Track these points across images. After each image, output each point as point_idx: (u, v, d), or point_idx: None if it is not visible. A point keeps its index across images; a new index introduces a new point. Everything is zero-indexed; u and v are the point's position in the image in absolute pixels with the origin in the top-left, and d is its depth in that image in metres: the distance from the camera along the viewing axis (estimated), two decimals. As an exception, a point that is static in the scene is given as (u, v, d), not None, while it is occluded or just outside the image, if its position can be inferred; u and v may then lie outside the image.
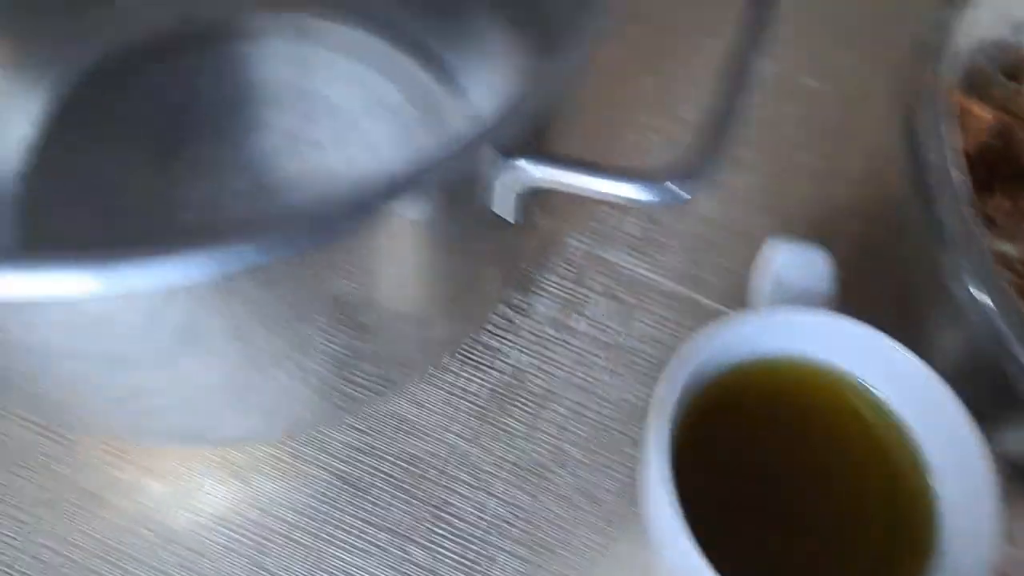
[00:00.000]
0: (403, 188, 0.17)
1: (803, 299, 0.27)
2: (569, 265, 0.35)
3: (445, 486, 0.31)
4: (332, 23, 0.37)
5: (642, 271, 0.35)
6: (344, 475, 0.31)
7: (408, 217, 0.19)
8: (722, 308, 0.34)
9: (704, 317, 0.34)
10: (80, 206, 0.33)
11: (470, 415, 0.32)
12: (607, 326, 0.34)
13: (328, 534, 0.30)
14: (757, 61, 0.19)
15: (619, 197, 0.19)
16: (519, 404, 0.33)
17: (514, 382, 0.33)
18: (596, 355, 0.33)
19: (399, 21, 0.37)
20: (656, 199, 0.19)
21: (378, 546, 0.30)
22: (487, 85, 0.36)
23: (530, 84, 0.18)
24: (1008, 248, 0.29)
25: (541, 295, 0.35)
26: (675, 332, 0.34)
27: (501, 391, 0.33)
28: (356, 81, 0.37)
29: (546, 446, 0.32)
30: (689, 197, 0.19)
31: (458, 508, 0.31)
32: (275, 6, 0.37)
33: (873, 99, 0.38)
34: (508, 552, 0.30)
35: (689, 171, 0.19)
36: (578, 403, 0.32)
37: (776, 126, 0.38)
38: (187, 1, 0.37)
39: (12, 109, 0.34)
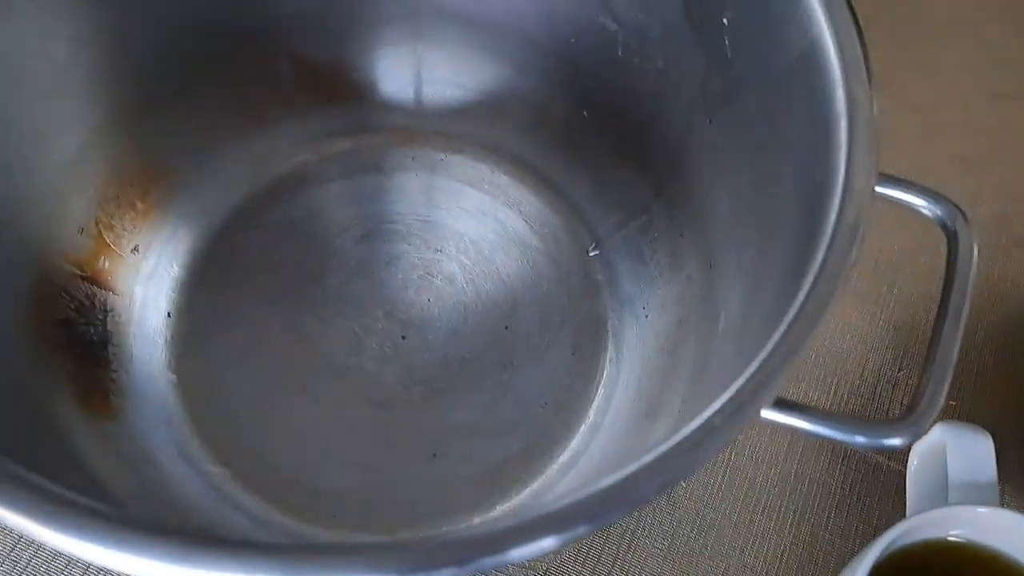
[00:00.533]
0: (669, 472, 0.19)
1: (970, 485, 0.28)
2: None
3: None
4: (460, 157, 0.39)
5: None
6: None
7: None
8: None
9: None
10: (226, 342, 0.34)
11: None
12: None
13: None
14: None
15: (849, 443, 0.20)
16: None
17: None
18: None
19: (523, 156, 0.38)
20: (878, 446, 0.20)
21: None
22: (607, 216, 0.38)
23: (786, 343, 0.19)
24: None
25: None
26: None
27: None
28: (484, 214, 0.38)
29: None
30: (908, 442, 0.20)
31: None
32: (405, 143, 0.39)
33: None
34: None
35: (906, 424, 0.20)
36: None
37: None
38: (308, 132, 0.38)
39: (162, 253, 0.35)
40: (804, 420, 0.20)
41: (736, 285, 0.29)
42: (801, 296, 0.20)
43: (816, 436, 0.21)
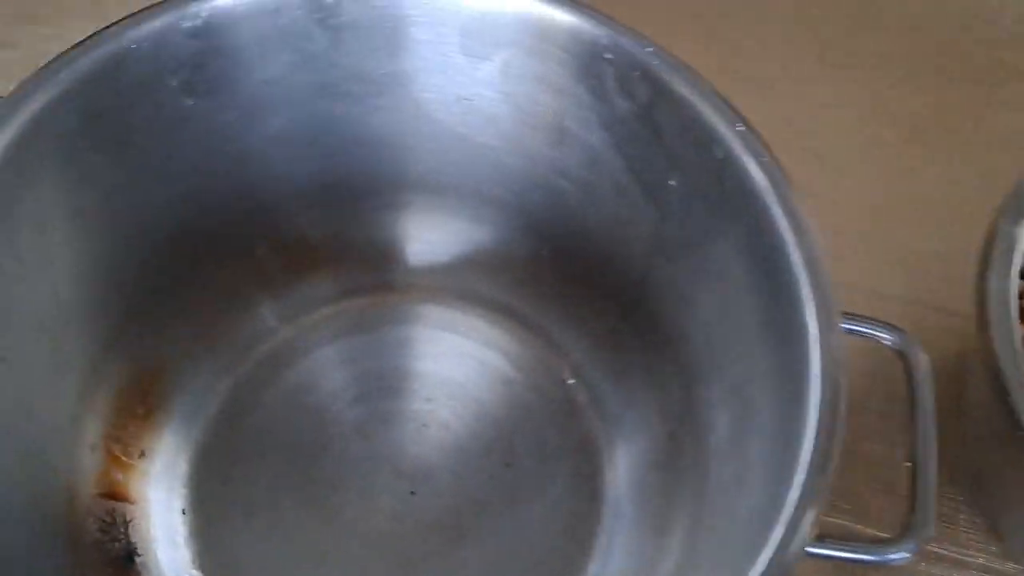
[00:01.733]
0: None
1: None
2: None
3: None
4: (434, 306, 0.41)
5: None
6: None
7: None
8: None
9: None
10: (243, 530, 0.36)
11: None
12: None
13: None
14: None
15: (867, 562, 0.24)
16: None
17: None
18: None
19: (492, 296, 0.41)
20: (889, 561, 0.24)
21: None
22: (579, 340, 0.40)
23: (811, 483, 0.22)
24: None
25: None
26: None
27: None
28: (465, 356, 0.40)
29: None
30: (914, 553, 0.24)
31: None
32: (381, 301, 0.41)
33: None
34: None
35: (909, 535, 0.24)
36: None
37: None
38: (291, 305, 0.40)
39: (167, 453, 0.36)
40: (834, 549, 0.23)
41: (723, 407, 0.32)
42: (809, 436, 0.23)
43: (835, 560, 0.24)
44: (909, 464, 0.39)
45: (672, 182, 0.31)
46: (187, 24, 0.28)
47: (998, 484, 0.34)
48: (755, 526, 0.25)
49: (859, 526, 0.37)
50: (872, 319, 0.27)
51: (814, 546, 0.23)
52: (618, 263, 0.37)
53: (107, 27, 0.27)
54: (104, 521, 0.33)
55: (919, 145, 0.48)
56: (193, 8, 0.28)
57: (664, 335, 0.36)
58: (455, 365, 0.40)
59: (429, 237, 0.41)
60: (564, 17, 0.30)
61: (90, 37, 0.27)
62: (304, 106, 0.34)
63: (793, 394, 0.25)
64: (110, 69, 0.28)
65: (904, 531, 0.23)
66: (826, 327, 0.24)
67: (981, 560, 0.36)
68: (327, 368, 0.40)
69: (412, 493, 0.37)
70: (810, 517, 0.22)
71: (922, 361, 0.25)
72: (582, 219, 0.37)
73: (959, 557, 0.37)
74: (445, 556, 0.36)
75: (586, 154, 0.34)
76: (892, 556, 0.23)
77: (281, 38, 0.31)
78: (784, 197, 0.27)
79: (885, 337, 0.27)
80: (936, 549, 0.37)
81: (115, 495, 0.34)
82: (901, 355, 0.26)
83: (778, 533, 0.22)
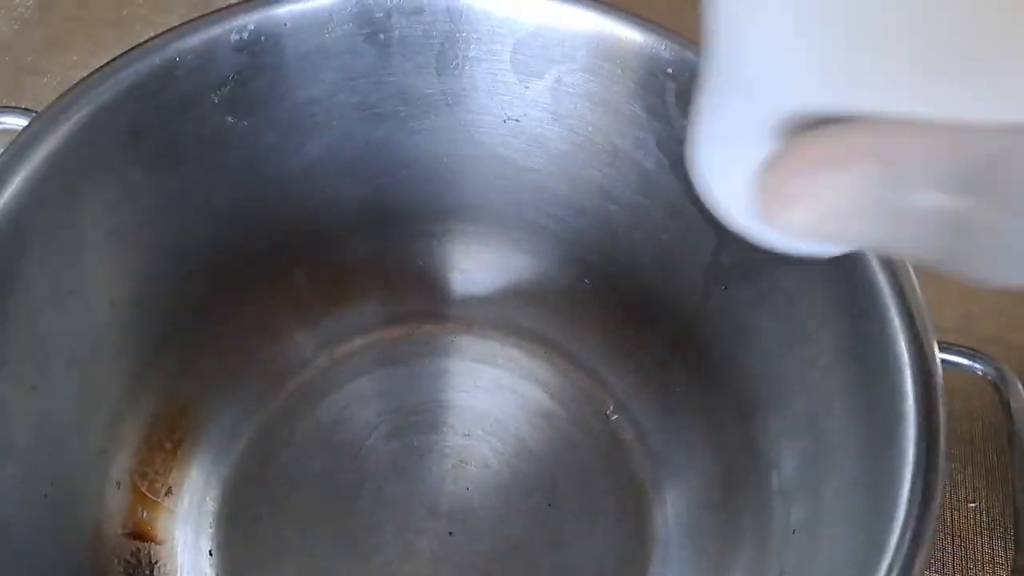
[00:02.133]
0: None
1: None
2: None
3: None
4: (470, 337, 0.39)
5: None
6: None
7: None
8: None
9: None
10: (274, 569, 0.34)
11: None
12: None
13: None
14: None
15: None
16: None
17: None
18: None
19: (530, 327, 0.40)
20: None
21: None
22: (624, 375, 0.39)
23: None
24: None
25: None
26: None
27: None
28: (503, 390, 0.39)
29: None
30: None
31: None
32: (414, 331, 0.39)
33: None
34: None
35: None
36: None
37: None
38: (325, 335, 0.38)
39: (194, 490, 0.34)
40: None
41: (788, 442, 0.30)
42: (907, 480, 0.21)
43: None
44: (973, 504, 0.37)
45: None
46: (235, 37, 0.27)
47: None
48: (841, 573, 0.23)
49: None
50: (965, 348, 0.25)
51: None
52: (669, 292, 0.35)
53: (152, 38, 0.26)
54: (129, 562, 0.31)
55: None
56: (241, 20, 0.27)
57: (718, 367, 0.34)
58: (493, 399, 0.38)
59: (468, 265, 0.39)
60: (624, 30, 0.28)
61: (134, 48, 0.26)
62: (346, 127, 0.33)
63: (884, 431, 0.23)
64: (154, 82, 0.27)
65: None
66: (920, 354, 0.23)
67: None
68: (361, 401, 0.38)
69: (451, 534, 0.35)
70: (919, 565, 0.20)
71: (1020, 389, 0.24)
72: (629, 245, 0.35)
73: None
74: (486, 596, 0.34)
75: (639, 175, 0.33)
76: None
77: (327, 54, 0.30)
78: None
79: (979, 368, 0.25)
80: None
81: (141, 534, 0.32)
82: (996, 388, 0.24)
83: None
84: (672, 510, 0.36)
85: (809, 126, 0.11)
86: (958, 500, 0.37)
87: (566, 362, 0.39)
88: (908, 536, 0.20)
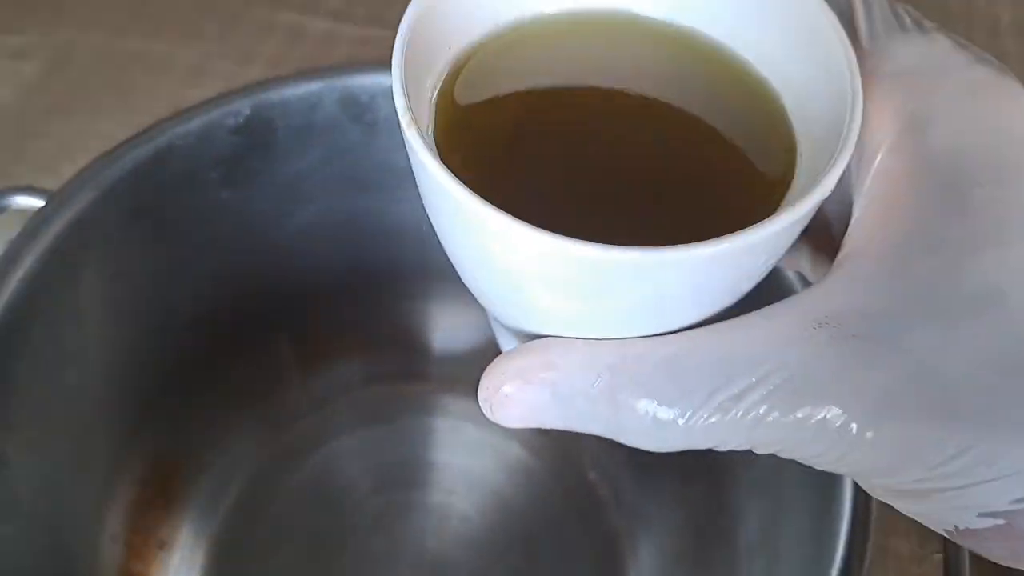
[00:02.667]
0: None
1: None
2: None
3: None
4: (452, 395, 0.41)
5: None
6: None
7: None
8: None
9: None
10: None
11: None
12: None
13: None
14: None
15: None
16: None
17: None
18: None
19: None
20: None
21: None
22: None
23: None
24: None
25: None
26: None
27: None
28: (485, 447, 0.40)
29: None
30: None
31: None
32: (398, 390, 0.41)
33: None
34: None
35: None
36: None
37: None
38: (311, 395, 0.40)
39: (185, 545, 0.35)
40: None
41: (753, 497, 0.31)
42: (842, 532, 0.23)
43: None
44: (937, 556, 0.38)
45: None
46: (231, 121, 0.29)
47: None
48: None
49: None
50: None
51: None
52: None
53: (154, 124, 0.28)
54: (122, 616, 0.32)
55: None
56: (236, 105, 0.29)
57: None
58: (475, 456, 0.40)
59: (449, 324, 0.41)
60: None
61: (139, 134, 0.28)
62: (333, 198, 0.35)
63: (826, 487, 0.25)
64: (154, 164, 0.29)
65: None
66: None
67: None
68: (346, 458, 0.39)
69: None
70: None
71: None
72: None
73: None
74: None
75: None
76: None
77: (316, 132, 0.32)
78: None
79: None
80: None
81: (134, 588, 0.33)
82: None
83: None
84: (647, 566, 0.37)
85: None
86: (925, 554, 0.39)
87: (546, 420, 0.41)
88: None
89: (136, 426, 0.34)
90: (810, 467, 0.27)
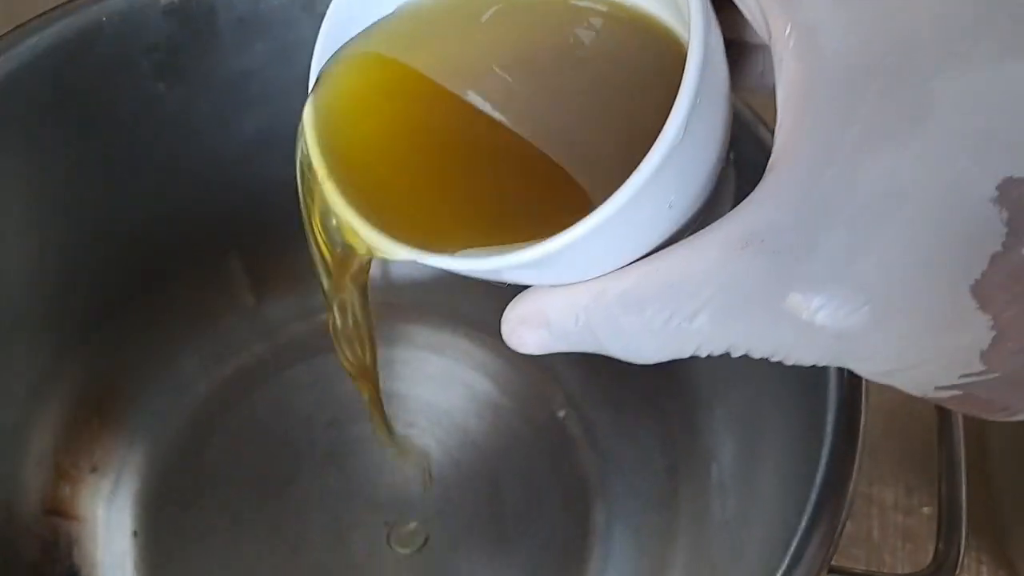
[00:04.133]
0: None
1: None
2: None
3: None
4: (418, 326, 0.39)
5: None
6: None
7: None
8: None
9: None
10: (201, 558, 0.33)
11: None
12: None
13: None
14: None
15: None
16: None
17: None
18: None
19: (480, 318, 0.39)
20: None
21: None
22: (579, 374, 0.38)
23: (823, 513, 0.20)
24: None
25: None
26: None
27: None
28: (451, 380, 0.38)
29: None
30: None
31: None
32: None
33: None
34: None
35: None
36: None
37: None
38: (261, 321, 0.37)
39: (122, 470, 0.33)
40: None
41: (728, 433, 0.29)
42: (820, 471, 0.21)
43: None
44: (926, 509, 0.36)
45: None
46: (164, 0, 0.27)
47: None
48: (761, 562, 0.22)
49: (872, 569, 0.34)
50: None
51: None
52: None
53: (74, -2, 0.26)
54: (46, 540, 0.30)
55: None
56: (168, -19, 0.26)
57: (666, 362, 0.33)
58: (439, 389, 0.38)
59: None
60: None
61: (61, 5, 0.25)
62: (282, 102, 0.32)
63: (808, 421, 0.23)
64: (80, 42, 0.26)
65: (934, 563, 0.21)
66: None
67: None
68: (298, 389, 0.37)
69: (387, 525, 0.34)
70: (819, 551, 0.19)
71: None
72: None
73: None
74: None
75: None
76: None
77: (263, 23, 0.29)
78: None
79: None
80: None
81: (61, 512, 0.31)
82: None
83: (784, 567, 0.20)
84: (616, 506, 0.35)
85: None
86: (913, 505, 0.36)
87: (516, 355, 0.38)
88: (819, 521, 0.20)
89: (68, 343, 0.31)
90: (788, 406, 0.25)
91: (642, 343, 0.17)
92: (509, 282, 0.18)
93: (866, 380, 0.22)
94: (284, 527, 0.33)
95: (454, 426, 0.37)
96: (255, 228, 0.35)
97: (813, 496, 0.20)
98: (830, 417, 0.21)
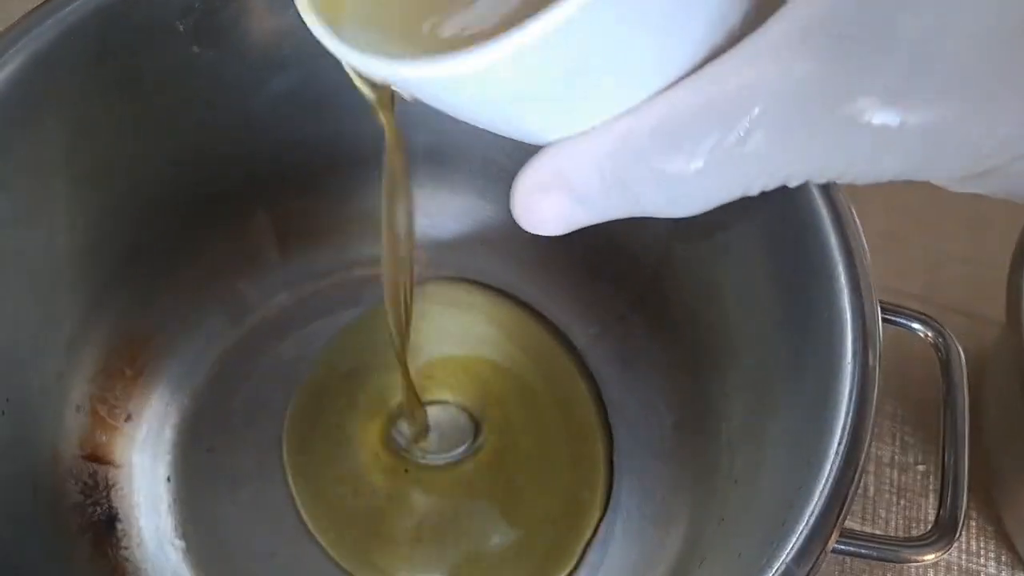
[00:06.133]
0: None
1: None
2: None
3: None
4: (435, 283, 0.40)
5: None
6: None
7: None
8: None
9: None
10: (230, 500, 0.34)
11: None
12: None
13: None
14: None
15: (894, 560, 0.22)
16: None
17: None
18: None
19: (497, 275, 0.40)
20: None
21: None
22: (586, 327, 0.39)
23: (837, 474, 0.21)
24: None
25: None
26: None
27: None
28: (467, 334, 0.39)
29: None
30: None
31: None
32: (377, 276, 0.39)
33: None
34: None
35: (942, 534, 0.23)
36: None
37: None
38: (287, 275, 0.38)
39: (154, 418, 0.35)
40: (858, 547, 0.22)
41: (738, 394, 0.31)
42: (837, 431, 0.22)
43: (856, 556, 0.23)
44: (921, 467, 0.38)
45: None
46: (201, -37, 0.27)
47: (1016, 490, 0.33)
48: (771, 517, 0.24)
49: (866, 529, 0.36)
50: (908, 309, 0.26)
51: (840, 542, 0.22)
52: (633, 244, 0.35)
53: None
54: (86, 483, 0.31)
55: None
56: (208, -55, 0.27)
57: (676, 322, 0.35)
58: (457, 343, 0.39)
59: (433, 211, 0.39)
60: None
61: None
62: (314, 63, 0.32)
63: (822, 383, 0.24)
64: (120, 7, 0.27)
65: (936, 529, 0.22)
66: (862, 312, 0.23)
67: (991, 569, 0.35)
68: (322, 341, 0.38)
69: (406, 471, 0.36)
70: (842, 510, 0.21)
71: (960, 356, 0.24)
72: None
73: (968, 565, 0.36)
74: (435, 536, 0.34)
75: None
76: (925, 556, 0.22)
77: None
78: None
79: (919, 330, 0.25)
80: (945, 556, 0.36)
81: (99, 458, 0.32)
82: (936, 349, 0.25)
83: (803, 526, 0.21)
84: (624, 458, 0.36)
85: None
86: (908, 463, 0.38)
87: (529, 313, 0.39)
88: (830, 484, 0.21)
89: (102, 294, 0.32)
90: (801, 370, 0.27)
91: (685, 187, 0.14)
92: (507, 129, 0.16)
93: (879, 346, 0.23)
94: (307, 471, 0.35)
95: (470, 378, 0.38)
96: (282, 186, 0.36)
97: (829, 460, 0.21)
98: (845, 383, 0.23)
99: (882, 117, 0.13)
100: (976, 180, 0.14)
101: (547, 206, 0.15)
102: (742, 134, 0.13)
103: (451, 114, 0.16)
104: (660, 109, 0.14)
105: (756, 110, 0.13)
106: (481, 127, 0.16)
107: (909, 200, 0.45)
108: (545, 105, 0.15)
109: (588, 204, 0.15)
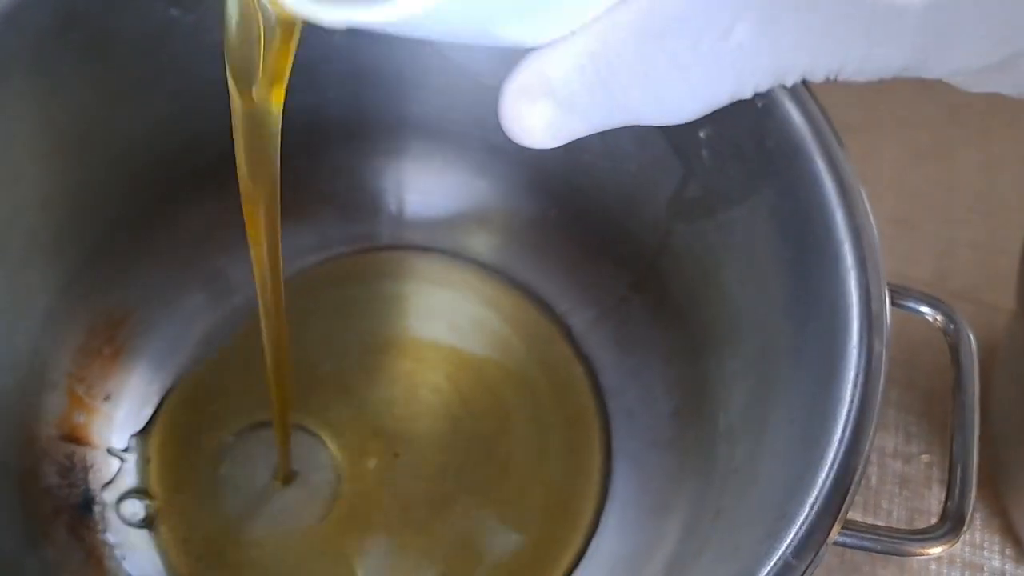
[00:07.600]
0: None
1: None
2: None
3: None
4: (429, 261, 0.38)
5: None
6: None
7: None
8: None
9: None
10: (210, 482, 0.33)
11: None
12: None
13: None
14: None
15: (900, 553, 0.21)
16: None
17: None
18: None
19: (492, 255, 0.39)
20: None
21: None
22: (584, 310, 0.38)
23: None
24: None
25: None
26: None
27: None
28: (461, 316, 0.38)
29: None
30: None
31: None
32: (370, 252, 0.38)
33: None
34: None
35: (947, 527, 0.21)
36: None
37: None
38: (286, 256, 0.37)
39: (133, 398, 0.34)
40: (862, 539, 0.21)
41: (738, 381, 0.29)
42: (841, 419, 0.21)
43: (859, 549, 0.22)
44: (925, 457, 0.37)
45: (703, 133, 0.28)
46: (177, -79, 0.26)
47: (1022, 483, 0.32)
48: (772, 510, 0.23)
49: (867, 520, 0.35)
50: (917, 292, 0.24)
51: (842, 534, 0.21)
52: (633, 225, 0.34)
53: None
54: (63, 465, 0.30)
55: (958, 127, 0.45)
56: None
57: (677, 306, 0.34)
58: (449, 325, 0.38)
59: (426, 187, 0.38)
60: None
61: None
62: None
63: (826, 368, 0.23)
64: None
65: (942, 522, 0.21)
66: (868, 294, 0.22)
67: (996, 562, 0.34)
68: (309, 320, 0.37)
69: (396, 456, 0.35)
70: (844, 501, 0.20)
71: (971, 341, 0.23)
72: (597, 176, 0.34)
73: (972, 558, 0.35)
74: (427, 526, 0.33)
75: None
76: (931, 549, 0.21)
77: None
78: (830, 153, 0.24)
79: (928, 313, 0.24)
80: (949, 549, 0.35)
81: (77, 438, 0.31)
82: (947, 335, 0.24)
83: (803, 518, 0.20)
84: (620, 446, 0.35)
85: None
86: (912, 453, 0.37)
87: (525, 295, 0.38)
88: (833, 474, 0.20)
89: (80, 270, 0.31)
90: (803, 358, 0.25)
91: (671, 86, 0.14)
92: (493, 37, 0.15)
93: (886, 331, 0.22)
94: (294, 451, 0.34)
95: (463, 361, 0.37)
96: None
97: (832, 448, 0.20)
98: (850, 369, 0.21)
99: None
100: (995, 74, 0.13)
101: (532, 112, 0.15)
102: (725, 25, 0.13)
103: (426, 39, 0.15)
104: (640, 4, 0.13)
105: (736, 7, 0.13)
106: (460, 43, 0.16)
107: (919, 185, 0.44)
108: (521, 8, 0.14)
109: (574, 109, 0.15)
